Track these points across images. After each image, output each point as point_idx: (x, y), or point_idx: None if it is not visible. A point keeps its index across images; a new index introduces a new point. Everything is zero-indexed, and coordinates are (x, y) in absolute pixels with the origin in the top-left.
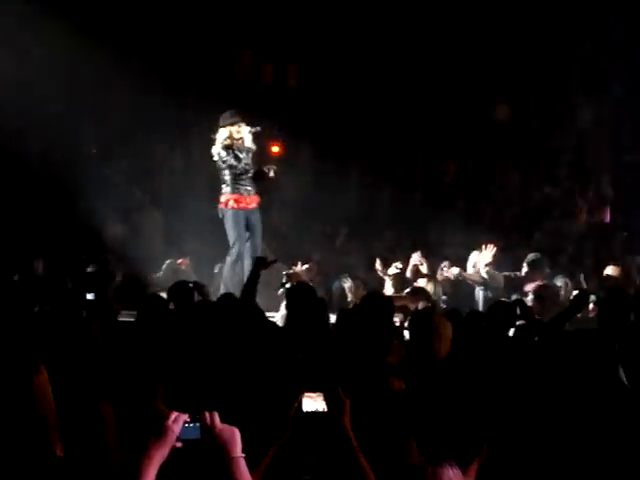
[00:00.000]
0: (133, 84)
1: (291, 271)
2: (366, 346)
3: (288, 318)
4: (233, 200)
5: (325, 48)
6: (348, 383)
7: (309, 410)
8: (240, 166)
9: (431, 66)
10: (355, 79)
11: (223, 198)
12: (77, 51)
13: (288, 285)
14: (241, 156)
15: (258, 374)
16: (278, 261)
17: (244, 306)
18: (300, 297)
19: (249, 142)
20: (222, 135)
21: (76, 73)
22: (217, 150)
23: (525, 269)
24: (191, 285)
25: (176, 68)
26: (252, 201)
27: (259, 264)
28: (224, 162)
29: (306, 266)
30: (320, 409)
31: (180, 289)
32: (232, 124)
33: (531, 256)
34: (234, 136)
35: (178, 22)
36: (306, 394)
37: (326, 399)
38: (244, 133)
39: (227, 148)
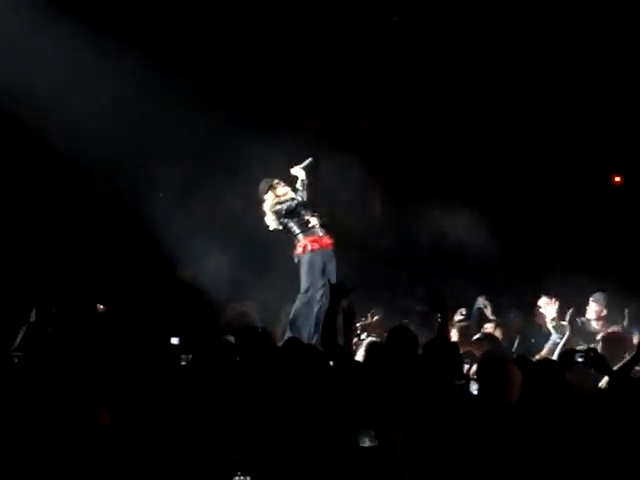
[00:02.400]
0: (204, 131)
1: (366, 322)
2: (429, 387)
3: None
4: (309, 242)
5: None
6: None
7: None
8: (303, 211)
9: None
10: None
11: (300, 245)
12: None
13: (364, 336)
14: (294, 207)
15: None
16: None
17: (327, 347)
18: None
19: (294, 191)
20: (270, 200)
21: (146, 118)
22: (271, 219)
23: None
24: (260, 330)
25: (247, 116)
26: (328, 241)
27: (339, 293)
28: (284, 223)
29: (377, 317)
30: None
31: (249, 334)
32: (269, 189)
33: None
34: (279, 198)
35: (250, 72)
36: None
37: (378, 435)
38: (286, 191)
39: (280, 205)
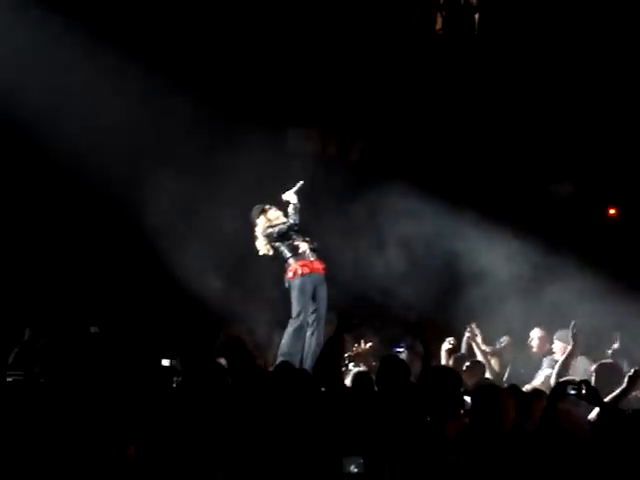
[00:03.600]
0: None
1: (355, 351)
2: (424, 417)
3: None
4: (300, 267)
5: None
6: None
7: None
8: (293, 236)
9: None
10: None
11: (290, 270)
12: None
13: (351, 366)
14: (285, 230)
15: (302, 441)
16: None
17: (322, 373)
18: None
19: (284, 216)
20: (262, 224)
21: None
22: (262, 243)
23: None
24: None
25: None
26: (319, 266)
27: (345, 326)
28: (276, 243)
29: (369, 344)
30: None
31: (241, 358)
32: (261, 213)
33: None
34: (271, 218)
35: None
36: None
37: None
38: (278, 215)
39: (271, 228)
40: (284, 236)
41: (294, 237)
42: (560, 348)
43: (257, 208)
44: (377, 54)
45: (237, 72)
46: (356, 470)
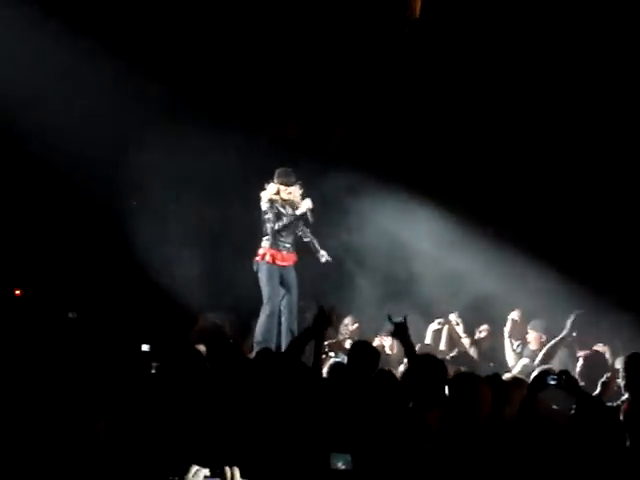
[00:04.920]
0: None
1: (333, 341)
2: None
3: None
4: (270, 255)
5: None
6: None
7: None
8: (280, 224)
9: None
10: None
11: (261, 251)
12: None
13: (332, 354)
14: (284, 215)
15: (286, 432)
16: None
17: (289, 361)
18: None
19: (300, 207)
20: (270, 190)
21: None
22: (265, 202)
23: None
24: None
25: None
26: (288, 259)
27: (321, 323)
28: (266, 216)
29: (356, 325)
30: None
31: (220, 344)
32: (284, 183)
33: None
34: (282, 196)
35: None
36: None
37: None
38: (296, 195)
39: (271, 203)
40: (270, 222)
41: (281, 230)
42: (534, 338)
43: (286, 173)
44: (356, 42)
45: (217, 59)
46: (343, 467)
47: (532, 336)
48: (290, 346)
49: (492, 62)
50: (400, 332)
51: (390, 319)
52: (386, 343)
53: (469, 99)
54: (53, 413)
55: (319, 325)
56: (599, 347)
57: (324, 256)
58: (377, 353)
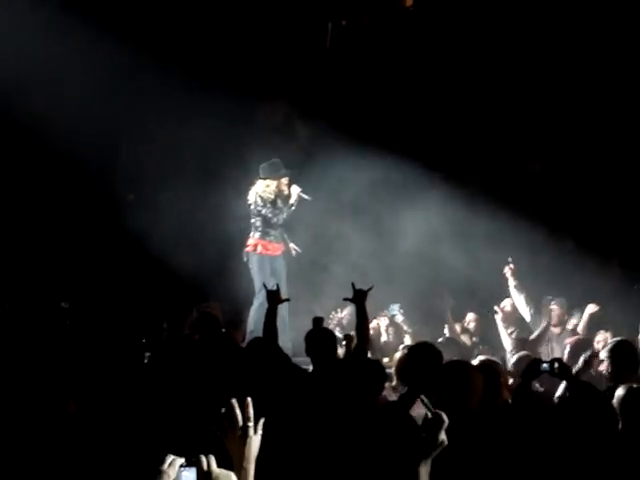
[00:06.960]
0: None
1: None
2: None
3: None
4: (261, 245)
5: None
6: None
7: None
8: (275, 218)
9: None
10: None
11: (251, 241)
12: None
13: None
14: (278, 208)
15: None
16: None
17: (268, 347)
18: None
19: (292, 196)
20: (262, 185)
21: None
22: (254, 198)
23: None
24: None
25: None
26: (277, 249)
27: (272, 300)
28: (259, 211)
29: (345, 312)
30: None
31: (213, 335)
32: (276, 178)
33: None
34: (275, 189)
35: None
36: None
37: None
38: (284, 186)
39: (265, 199)
40: (265, 217)
41: (270, 217)
42: (558, 314)
43: (274, 168)
44: (347, 30)
45: (208, 44)
46: None
47: (556, 312)
48: (265, 330)
49: (486, 53)
50: (358, 299)
51: (353, 286)
52: (382, 323)
53: (464, 87)
54: (25, 396)
55: (272, 304)
56: (601, 334)
57: (294, 249)
58: (334, 337)
